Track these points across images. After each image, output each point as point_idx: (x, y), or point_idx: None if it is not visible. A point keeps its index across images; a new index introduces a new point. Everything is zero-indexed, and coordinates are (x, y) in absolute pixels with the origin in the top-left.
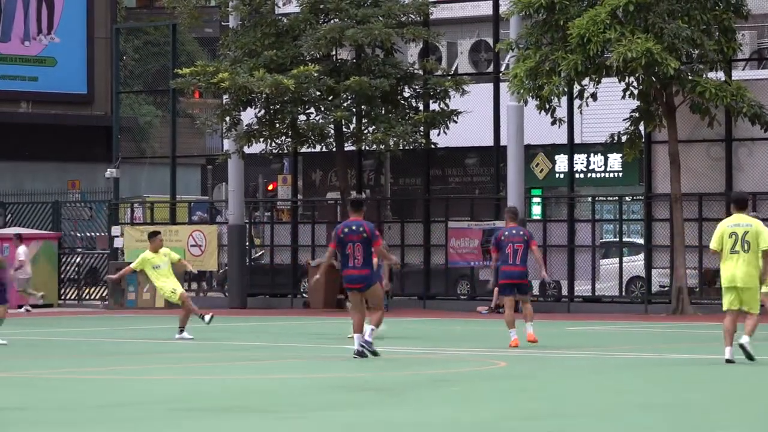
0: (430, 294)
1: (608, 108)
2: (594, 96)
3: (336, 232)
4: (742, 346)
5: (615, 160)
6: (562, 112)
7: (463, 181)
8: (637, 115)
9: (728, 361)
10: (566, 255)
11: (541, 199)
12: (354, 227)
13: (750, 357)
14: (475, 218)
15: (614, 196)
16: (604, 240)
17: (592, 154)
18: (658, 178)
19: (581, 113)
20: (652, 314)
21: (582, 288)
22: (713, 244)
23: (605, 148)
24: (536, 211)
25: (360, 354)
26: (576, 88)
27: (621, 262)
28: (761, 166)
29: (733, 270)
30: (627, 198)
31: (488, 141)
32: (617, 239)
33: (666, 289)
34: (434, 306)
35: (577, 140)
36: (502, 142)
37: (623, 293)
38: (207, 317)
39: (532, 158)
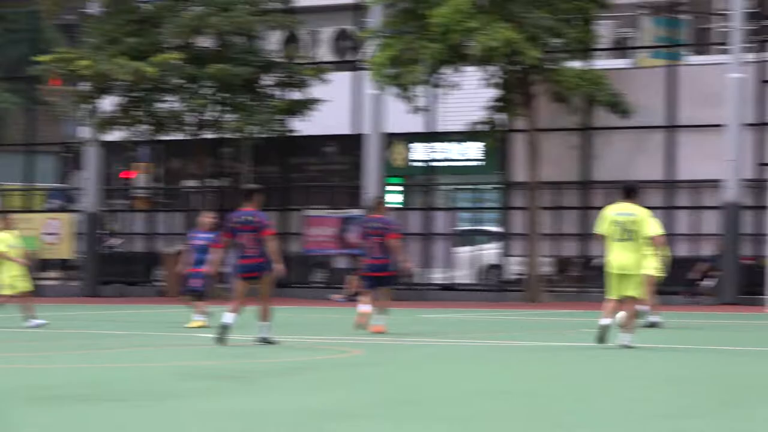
0: (285, 282)
1: (469, 96)
2: (455, 85)
3: (228, 222)
4: (623, 347)
5: (475, 149)
6: (422, 100)
7: (322, 169)
8: (497, 103)
9: (603, 326)
10: (423, 243)
11: (399, 187)
12: (246, 217)
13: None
14: (334, 206)
15: (471, 184)
16: (460, 228)
17: (451, 143)
18: (517, 166)
19: (442, 102)
20: (507, 302)
21: (439, 276)
22: (598, 230)
23: (465, 137)
24: (395, 199)
25: (220, 340)
26: (436, 77)
27: (477, 250)
28: (618, 154)
29: (619, 258)
30: (485, 186)
31: (348, 129)
32: (474, 227)
33: (521, 277)
34: (290, 294)
35: (437, 128)
36: (362, 131)
37: (479, 281)
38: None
39: (391, 146)
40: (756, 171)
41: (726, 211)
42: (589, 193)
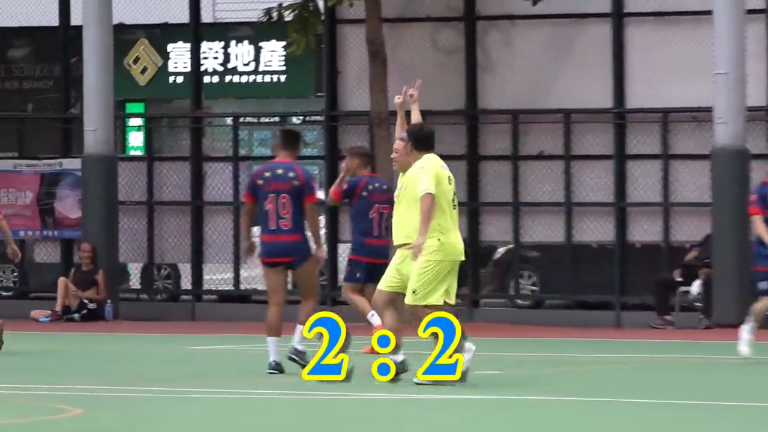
0: None
1: None
2: None
3: (252, 179)
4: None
5: (274, 54)
6: None
7: (5, 88)
8: None
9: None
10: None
11: (143, 121)
12: (280, 170)
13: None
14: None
15: (273, 115)
16: None
17: (233, 43)
18: (350, 85)
19: None
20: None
21: (218, 277)
22: (433, 189)
23: (256, 33)
24: (136, 141)
25: (277, 368)
26: None
27: None
28: (521, 63)
29: (456, 237)
30: (295, 120)
31: (52, 19)
32: None
33: None
34: None
35: (206, 18)
36: (75, 21)
37: None
38: None
39: (129, 48)
40: None
41: (715, 161)
42: (478, 129)
